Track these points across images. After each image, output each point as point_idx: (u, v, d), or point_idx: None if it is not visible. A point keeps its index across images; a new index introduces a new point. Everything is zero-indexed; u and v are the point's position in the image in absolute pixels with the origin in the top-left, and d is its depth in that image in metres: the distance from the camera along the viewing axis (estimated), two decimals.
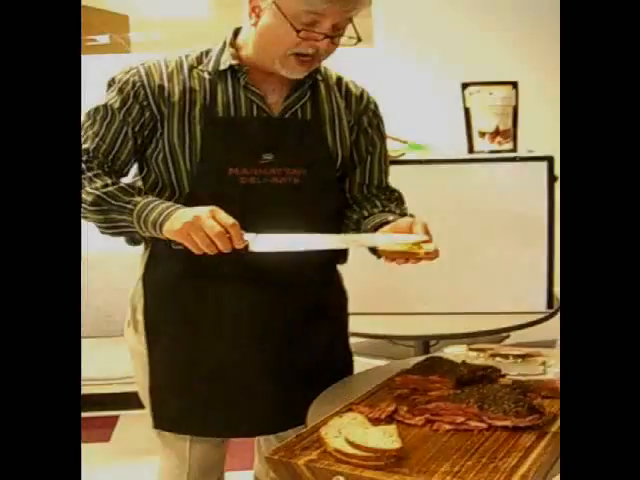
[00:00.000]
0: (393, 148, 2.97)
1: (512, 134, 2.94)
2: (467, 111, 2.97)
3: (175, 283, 1.84)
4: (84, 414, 3.98)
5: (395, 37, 4.22)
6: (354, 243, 1.79)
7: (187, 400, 1.86)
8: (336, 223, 1.87)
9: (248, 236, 1.61)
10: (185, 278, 1.82)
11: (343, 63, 3.72)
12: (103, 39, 5.55)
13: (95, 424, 3.96)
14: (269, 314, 1.84)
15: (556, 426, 1.50)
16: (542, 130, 3.31)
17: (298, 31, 1.66)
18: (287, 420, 1.89)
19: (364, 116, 1.93)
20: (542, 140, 2.91)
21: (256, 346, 1.84)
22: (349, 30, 1.74)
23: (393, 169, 2.75)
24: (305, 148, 1.82)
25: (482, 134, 2.94)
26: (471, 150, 2.96)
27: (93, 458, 3.56)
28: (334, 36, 1.70)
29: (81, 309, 3.88)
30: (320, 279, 1.92)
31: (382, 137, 1.98)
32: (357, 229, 1.86)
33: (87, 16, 5.37)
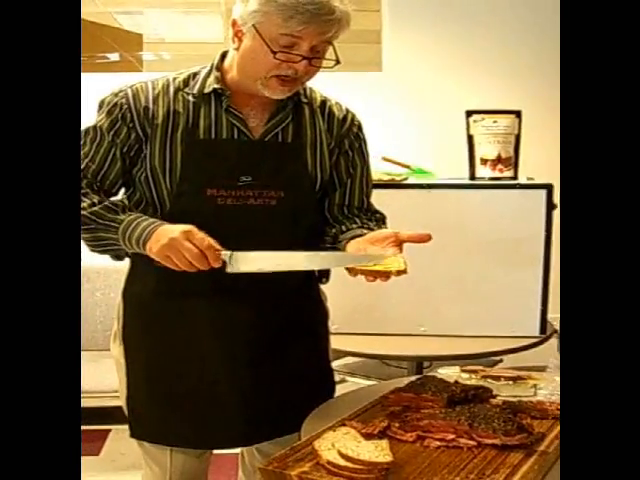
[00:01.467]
0: (397, 172, 3.01)
1: (513, 162, 2.97)
2: (470, 138, 3.00)
3: (151, 298, 1.88)
4: None
5: (402, 63, 4.27)
6: (327, 263, 1.81)
7: (162, 411, 1.90)
8: (312, 244, 1.87)
9: (224, 254, 1.65)
10: (161, 294, 1.86)
11: (351, 86, 3.77)
12: (114, 57, 5.61)
13: (86, 437, 3.97)
14: (243, 329, 1.86)
15: (544, 445, 1.53)
16: (542, 158, 3.36)
17: (275, 53, 1.71)
18: (259, 433, 1.92)
19: (346, 138, 1.95)
20: (542, 168, 2.96)
21: (229, 360, 1.86)
22: (331, 53, 1.78)
23: (395, 192, 2.82)
24: (284, 171, 1.85)
25: (484, 161, 2.97)
26: (473, 177, 2.99)
27: (83, 471, 3.58)
28: (312, 58, 1.74)
29: (80, 322, 3.86)
30: (297, 296, 1.94)
31: (364, 159, 2.00)
32: (334, 243, 1.89)
33: (100, 33, 5.43)
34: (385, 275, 1.66)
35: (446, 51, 4.28)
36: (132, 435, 1.95)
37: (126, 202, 1.84)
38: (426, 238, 1.72)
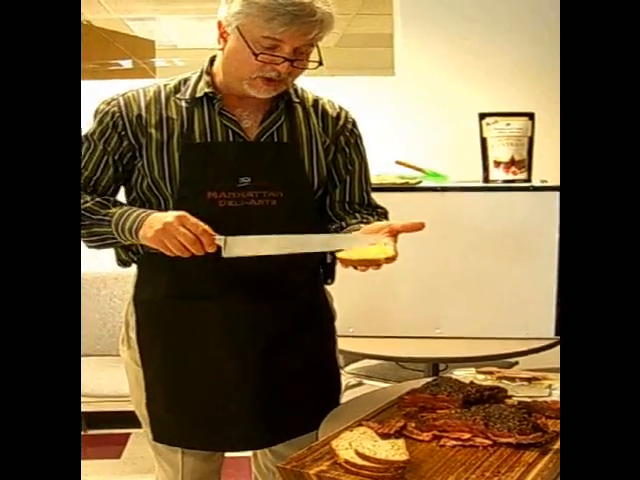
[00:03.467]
0: (410, 175, 3.03)
1: (527, 164, 2.99)
2: (484, 141, 3.02)
3: (162, 302, 1.90)
4: (97, 431, 4.04)
5: (415, 67, 4.28)
6: (322, 247, 1.82)
7: (178, 414, 1.92)
8: None
9: (218, 239, 1.68)
10: (171, 297, 1.89)
11: (364, 90, 3.78)
12: (127, 63, 5.65)
13: (107, 441, 4.02)
14: (252, 332, 1.88)
15: (558, 444, 1.54)
16: (555, 161, 3.37)
17: (256, 55, 1.73)
18: (271, 435, 1.95)
19: (341, 136, 1.97)
20: (555, 170, 2.96)
21: (238, 362, 1.89)
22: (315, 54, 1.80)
23: (409, 196, 2.84)
24: (281, 170, 1.87)
25: (497, 164, 2.99)
26: (486, 179, 3.01)
27: (104, 474, 3.66)
28: (294, 60, 1.75)
29: (99, 327, 3.90)
30: (304, 296, 1.96)
31: (361, 155, 2.02)
32: None
33: (113, 41, 5.48)
34: (375, 263, 1.68)
35: (459, 54, 4.28)
36: (154, 439, 1.97)
37: (116, 199, 1.87)
38: (420, 226, 1.73)
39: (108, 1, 5.35)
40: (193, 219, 1.68)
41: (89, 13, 5.41)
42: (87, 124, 1.87)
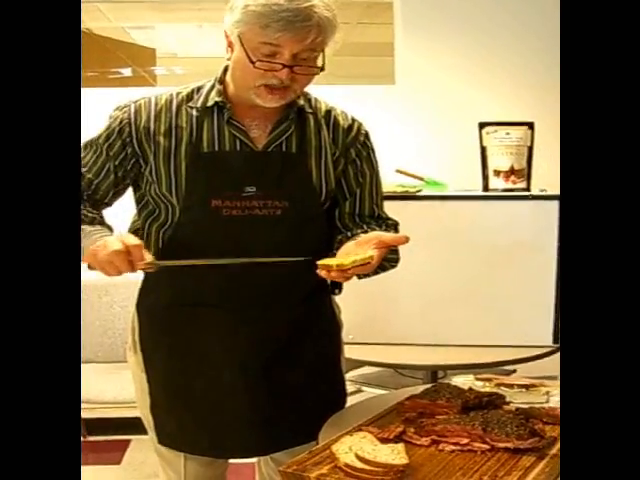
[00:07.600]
0: (410, 184, 3.05)
1: (526, 173, 3.01)
2: (483, 150, 3.04)
3: (165, 310, 1.92)
4: (97, 437, 4.05)
5: (415, 75, 4.31)
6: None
7: (180, 420, 1.93)
8: (319, 253, 1.81)
9: (149, 258, 1.68)
10: (173, 305, 1.90)
11: (364, 99, 3.81)
12: (127, 72, 5.66)
13: (108, 447, 4.03)
14: (253, 340, 1.89)
15: (555, 449, 1.56)
16: (554, 170, 3.39)
17: (253, 62, 1.72)
18: (271, 443, 1.95)
19: (352, 148, 1.95)
20: (554, 180, 2.98)
21: (240, 370, 1.89)
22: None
23: (409, 204, 2.86)
24: (288, 181, 1.86)
25: (497, 173, 3.02)
26: (486, 188, 3.03)
27: None
28: (293, 66, 1.73)
29: (100, 334, 3.92)
30: (308, 306, 1.96)
31: (372, 168, 2.00)
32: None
33: (113, 48, 5.50)
34: (339, 269, 1.68)
35: (459, 63, 4.31)
36: (160, 442, 1.98)
37: (100, 216, 1.88)
38: (404, 240, 1.74)
39: (109, 9, 5.36)
40: (133, 237, 1.69)
41: (89, 21, 5.42)
42: (90, 130, 1.89)
